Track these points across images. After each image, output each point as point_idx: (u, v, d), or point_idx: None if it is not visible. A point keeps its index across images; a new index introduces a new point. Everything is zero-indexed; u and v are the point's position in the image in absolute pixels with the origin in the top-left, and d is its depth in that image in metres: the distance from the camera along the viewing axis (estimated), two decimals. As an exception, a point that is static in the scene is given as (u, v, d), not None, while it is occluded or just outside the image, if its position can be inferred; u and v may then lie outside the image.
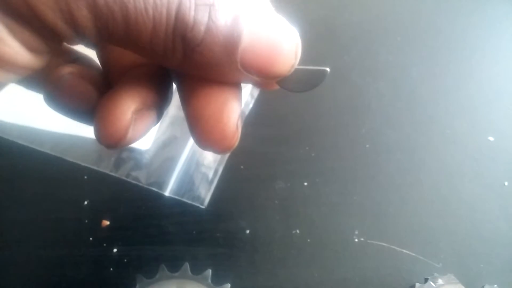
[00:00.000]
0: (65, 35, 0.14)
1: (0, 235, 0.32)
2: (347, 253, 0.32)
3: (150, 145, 0.35)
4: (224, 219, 0.33)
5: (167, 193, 0.34)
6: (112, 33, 0.14)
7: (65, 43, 0.15)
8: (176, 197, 0.34)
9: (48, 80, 0.17)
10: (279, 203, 0.34)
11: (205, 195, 0.34)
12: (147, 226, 0.33)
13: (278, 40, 0.15)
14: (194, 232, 0.32)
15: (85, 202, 0.34)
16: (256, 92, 0.38)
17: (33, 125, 0.36)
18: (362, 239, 0.32)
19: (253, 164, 0.36)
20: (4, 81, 0.14)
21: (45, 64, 0.15)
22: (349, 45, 0.42)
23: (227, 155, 0.36)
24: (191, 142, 0.35)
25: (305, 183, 0.35)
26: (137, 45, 0.14)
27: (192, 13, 0.14)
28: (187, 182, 0.34)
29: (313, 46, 0.43)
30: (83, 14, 0.13)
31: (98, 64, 0.20)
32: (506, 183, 0.34)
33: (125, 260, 0.31)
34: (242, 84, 0.18)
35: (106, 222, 0.33)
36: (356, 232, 0.33)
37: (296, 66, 0.16)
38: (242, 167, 0.35)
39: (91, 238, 0.32)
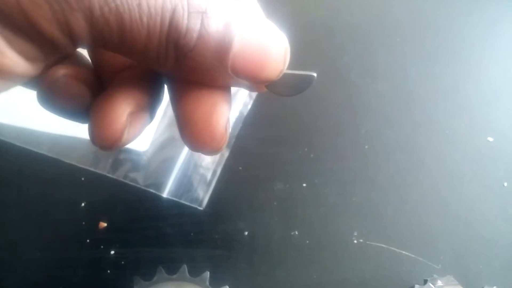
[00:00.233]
0: (61, 44, 0.14)
1: (-4, 237, 0.32)
2: (346, 255, 0.32)
3: (148, 147, 0.35)
4: (223, 221, 0.33)
5: (165, 194, 0.34)
6: (107, 41, 0.14)
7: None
8: (174, 199, 0.33)
9: (42, 82, 0.17)
10: (277, 204, 0.34)
11: (203, 196, 0.34)
12: (145, 228, 0.32)
13: (267, 46, 0.15)
14: (192, 233, 0.32)
15: (82, 204, 0.33)
16: (254, 93, 0.38)
17: (30, 126, 0.36)
18: (361, 240, 0.32)
19: (252, 165, 0.35)
20: (2, 90, 0.15)
21: (41, 71, 0.16)
22: (348, 46, 0.42)
23: (226, 156, 0.35)
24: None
25: (304, 184, 0.34)
26: (130, 51, 0.15)
27: (185, 21, 0.14)
28: (185, 183, 0.34)
29: (312, 47, 0.43)
30: (79, 24, 0.13)
31: (89, 61, 0.20)
32: (505, 184, 0.34)
33: (123, 262, 0.31)
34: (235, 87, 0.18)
35: (104, 224, 0.33)
36: (355, 234, 0.32)
37: (284, 71, 0.17)
38: (240, 168, 0.35)
39: (88, 240, 0.32)
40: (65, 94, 0.18)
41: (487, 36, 0.42)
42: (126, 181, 0.34)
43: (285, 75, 0.17)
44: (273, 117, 0.38)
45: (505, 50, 0.41)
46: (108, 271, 0.31)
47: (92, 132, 0.17)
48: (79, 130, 0.34)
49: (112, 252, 0.32)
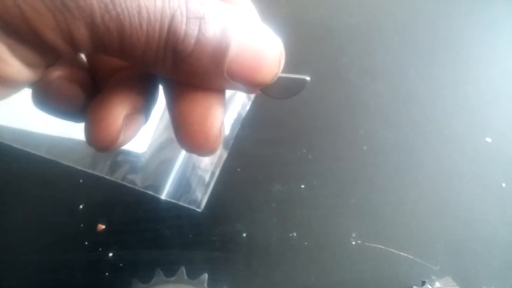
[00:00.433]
0: (63, 51, 0.14)
1: (-5, 239, 0.32)
2: (345, 256, 0.32)
3: (146, 148, 0.35)
4: (221, 222, 0.33)
5: (163, 196, 0.34)
6: (107, 47, 0.14)
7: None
8: (172, 201, 0.33)
9: (37, 84, 0.17)
10: (276, 205, 0.34)
11: (202, 198, 0.33)
12: (143, 230, 0.32)
13: (263, 50, 0.16)
14: (190, 235, 0.32)
15: (81, 206, 0.33)
16: (252, 94, 0.38)
17: (28, 128, 0.36)
18: (359, 241, 0.32)
19: (250, 167, 0.35)
20: (4, 97, 0.15)
21: (40, 76, 0.16)
22: (347, 46, 0.42)
23: (224, 157, 0.35)
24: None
25: (302, 186, 0.34)
26: (129, 56, 0.15)
27: (184, 26, 0.14)
28: (183, 185, 0.34)
29: (311, 47, 0.43)
30: (81, 32, 0.14)
31: (84, 61, 0.20)
32: (503, 185, 0.34)
33: (121, 265, 0.31)
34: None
35: (102, 226, 0.33)
36: (354, 235, 0.32)
37: (279, 74, 0.17)
38: (239, 169, 0.35)
39: (86, 242, 0.32)
40: (60, 96, 0.18)
41: (485, 36, 0.42)
42: (124, 183, 0.34)
43: (279, 78, 0.17)
44: (272, 118, 0.38)
45: (504, 51, 0.41)
46: (106, 274, 0.31)
47: (88, 133, 0.17)
48: (77, 132, 0.34)
49: (111, 254, 0.32)
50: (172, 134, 0.36)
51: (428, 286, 0.28)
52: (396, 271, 0.31)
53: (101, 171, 0.34)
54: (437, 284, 0.29)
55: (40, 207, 0.33)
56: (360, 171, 0.35)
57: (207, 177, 0.34)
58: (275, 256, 0.32)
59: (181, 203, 0.33)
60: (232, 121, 0.37)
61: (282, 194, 0.34)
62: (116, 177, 0.34)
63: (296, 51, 0.41)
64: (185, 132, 0.17)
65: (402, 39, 0.42)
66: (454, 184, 0.34)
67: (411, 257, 0.32)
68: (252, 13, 0.19)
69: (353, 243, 0.32)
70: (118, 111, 0.17)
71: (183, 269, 0.29)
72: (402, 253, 0.32)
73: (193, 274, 0.29)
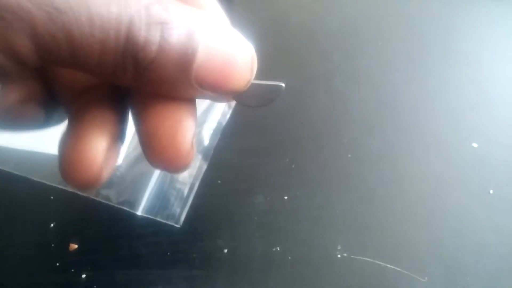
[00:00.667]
0: (6, 67, 0.13)
1: (-42, 263, 0.30)
2: (330, 270, 0.31)
3: (121, 161, 0.34)
4: (201, 238, 0.31)
5: (139, 212, 0.32)
6: (56, 59, 0.13)
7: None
8: (149, 216, 0.32)
9: None
10: (258, 219, 0.32)
11: (180, 213, 0.32)
12: (118, 249, 0.31)
13: (233, 56, 0.15)
14: (168, 253, 0.31)
15: (52, 225, 0.32)
16: (232, 102, 0.37)
17: (-5, 142, 0.34)
18: (345, 254, 0.31)
19: (231, 178, 0.34)
20: None
21: None
22: (330, 51, 0.41)
23: (204, 169, 0.34)
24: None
25: (286, 197, 0.33)
26: (84, 67, 0.14)
27: (143, 33, 0.13)
28: (160, 199, 0.32)
29: (293, 53, 0.42)
30: (23, 44, 0.12)
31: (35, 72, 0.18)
32: (491, 191, 0.33)
33: (95, 286, 0.29)
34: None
35: (74, 246, 0.31)
36: (339, 248, 0.31)
37: (252, 81, 0.16)
38: (219, 181, 0.34)
39: (58, 264, 0.30)
40: (20, 118, 0.17)
41: (471, 40, 0.41)
42: (98, 199, 0.32)
43: (252, 85, 0.16)
44: (253, 127, 0.36)
45: (490, 55, 0.41)
46: (79, 297, 0.29)
47: (66, 174, 0.15)
48: (47, 146, 0.33)
49: (83, 275, 0.30)
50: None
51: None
52: (384, 284, 0.30)
53: (74, 187, 0.32)
54: (426, 298, 0.28)
55: (7, 227, 0.32)
56: (344, 180, 0.34)
57: (186, 190, 0.33)
58: (258, 272, 0.30)
59: (158, 219, 0.32)
60: (211, 131, 0.35)
61: (264, 206, 0.33)
62: (89, 193, 0.32)
63: (277, 57, 0.40)
64: (154, 148, 0.16)
65: (386, 44, 0.41)
66: (440, 192, 0.33)
67: (399, 269, 0.30)
68: (221, 17, 0.18)
69: (339, 256, 0.31)
70: (98, 145, 0.15)
71: (160, 291, 0.27)
72: (389, 266, 0.31)
73: (170, 296, 0.27)
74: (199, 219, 0.32)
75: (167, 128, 0.16)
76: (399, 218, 0.32)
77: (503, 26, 0.44)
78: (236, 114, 0.37)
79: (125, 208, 0.32)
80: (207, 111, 0.36)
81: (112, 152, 0.16)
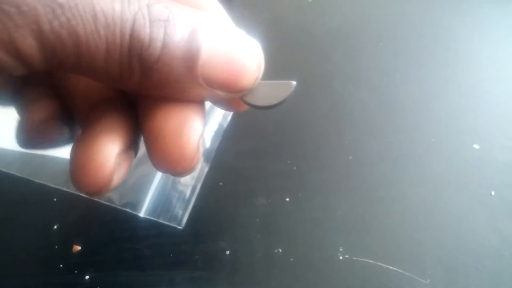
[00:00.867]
0: (8, 66, 0.12)
1: (-37, 265, 0.30)
2: (332, 272, 0.31)
3: (124, 163, 0.34)
4: (203, 240, 0.32)
5: (141, 214, 0.32)
6: (62, 60, 0.13)
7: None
8: (152, 218, 0.32)
9: (20, 129, 0.17)
10: (260, 220, 0.32)
11: (183, 215, 0.32)
12: (121, 250, 0.31)
13: (238, 52, 0.15)
14: (171, 255, 0.31)
15: (55, 226, 0.32)
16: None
17: (-2, 145, 0.34)
18: (347, 256, 0.31)
19: (233, 180, 0.34)
20: None
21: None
22: (330, 52, 0.41)
23: (205, 171, 0.34)
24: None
25: (287, 199, 0.33)
26: (90, 69, 0.14)
27: (147, 30, 0.13)
28: (163, 201, 0.33)
29: (292, 54, 0.42)
30: (27, 43, 0.12)
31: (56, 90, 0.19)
32: (492, 193, 0.33)
33: (98, 288, 0.30)
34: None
35: (77, 247, 0.31)
36: (341, 249, 0.31)
37: (260, 80, 0.16)
38: (221, 183, 0.34)
39: (61, 265, 0.30)
40: (46, 137, 0.17)
41: (472, 41, 0.41)
42: (101, 201, 0.32)
43: (261, 84, 0.16)
44: (254, 129, 0.36)
45: (491, 55, 0.41)
46: (82, 298, 0.29)
47: (76, 178, 0.15)
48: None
49: (87, 277, 0.30)
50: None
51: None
52: (386, 286, 0.30)
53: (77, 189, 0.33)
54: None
55: (11, 229, 0.32)
56: (346, 181, 0.34)
57: (188, 192, 0.33)
58: (260, 274, 0.30)
59: (161, 221, 0.32)
60: (213, 133, 0.35)
61: (266, 208, 0.33)
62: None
63: (277, 58, 0.40)
64: (158, 148, 0.15)
65: (387, 44, 0.41)
66: (441, 193, 0.34)
67: (400, 271, 0.30)
68: (223, 17, 0.18)
69: (341, 257, 0.31)
70: (109, 149, 0.15)
71: (162, 292, 0.27)
72: (391, 267, 0.31)
73: (173, 297, 0.27)
74: (201, 221, 0.32)
75: (172, 127, 0.15)
76: (400, 220, 0.32)
77: (505, 26, 0.44)
78: (237, 116, 0.37)
79: (127, 210, 0.32)
80: (208, 113, 0.36)
81: (124, 159, 0.16)
